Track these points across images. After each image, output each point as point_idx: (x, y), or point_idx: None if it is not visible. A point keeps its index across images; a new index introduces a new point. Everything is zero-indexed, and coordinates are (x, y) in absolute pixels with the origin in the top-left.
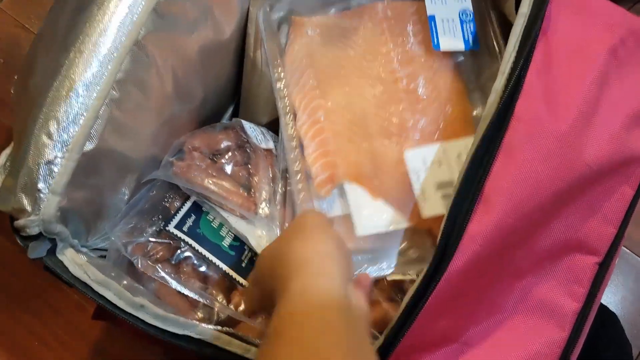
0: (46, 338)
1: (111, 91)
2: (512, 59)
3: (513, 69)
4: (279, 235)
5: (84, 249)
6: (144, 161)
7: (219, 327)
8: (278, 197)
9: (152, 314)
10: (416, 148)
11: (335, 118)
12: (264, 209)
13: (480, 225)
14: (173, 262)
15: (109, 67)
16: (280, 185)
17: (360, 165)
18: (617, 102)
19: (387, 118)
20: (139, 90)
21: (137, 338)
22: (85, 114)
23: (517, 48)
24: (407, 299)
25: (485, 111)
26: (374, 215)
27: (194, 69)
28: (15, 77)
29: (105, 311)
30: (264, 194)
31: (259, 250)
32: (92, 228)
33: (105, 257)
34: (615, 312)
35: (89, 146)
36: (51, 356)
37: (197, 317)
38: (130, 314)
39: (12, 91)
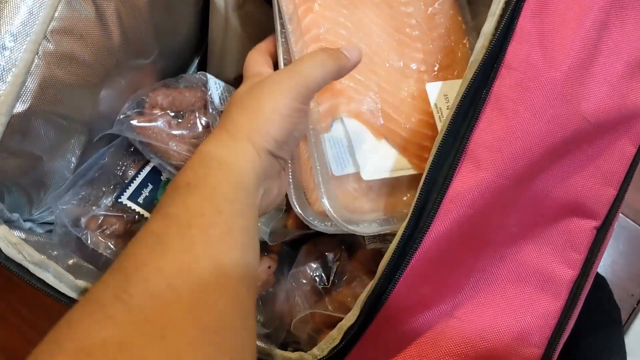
0: (4, 312)
1: (44, 42)
2: None
3: (504, 10)
4: None
5: (28, 224)
6: (90, 123)
7: None
8: None
9: None
10: (438, 82)
11: (337, 37)
12: None
13: (465, 184)
14: (128, 236)
15: (40, 14)
16: None
17: (363, 100)
18: (617, 48)
19: (396, 48)
20: (78, 41)
21: None
22: (14, 69)
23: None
24: (381, 267)
25: (472, 57)
26: (378, 158)
27: (145, 18)
28: None
29: None
30: None
31: None
32: (34, 200)
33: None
34: (604, 276)
35: (20, 107)
36: (12, 333)
37: None
38: (72, 299)
39: None
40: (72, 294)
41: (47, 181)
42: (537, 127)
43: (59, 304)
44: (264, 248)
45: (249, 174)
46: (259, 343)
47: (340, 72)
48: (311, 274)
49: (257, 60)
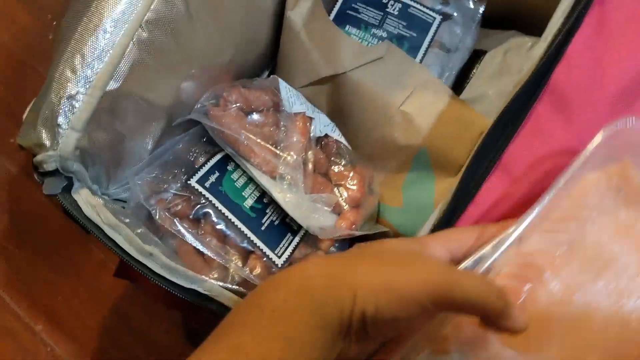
0: (67, 295)
1: (139, 31)
2: (558, 24)
3: (556, 36)
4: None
5: (105, 197)
6: (170, 110)
7: (228, 285)
8: (308, 164)
9: (160, 264)
10: None
11: None
12: (287, 174)
13: None
14: (192, 218)
15: (139, 4)
16: (310, 154)
17: None
18: None
19: None
20: (169, 35)
21: (157, 302)
22: (111, 51)
23: (566, 13)
24: None
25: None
26: None
27: (228, 26)
28: (54, 24)
29: (126, 269)
30: (289, 159)
31: (285, 208)
32: (112, 175)
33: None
34: None
35: (112, 85)
36: (69, 314)
37: (211, 276)
38: (138, 261)
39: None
40: (138, 256)
41: (125, 159)
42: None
43: (117, 291)
44: (313, 244)
45: None
46: None
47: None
48: None
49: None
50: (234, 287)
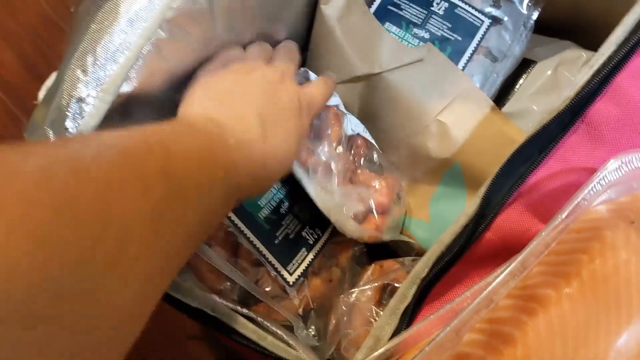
0: None
1: (158, 30)
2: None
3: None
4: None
5: None
6: None
7: (238, 307)
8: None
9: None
10: None
11: None
12: (319, 166)
13: None
14: None
15: (160, 3)
16: (340, 149)
17: None
18: None
19: None
20: (189, 33)
21: None
22: (126, 52)
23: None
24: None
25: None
26: None
27: (253, 18)
28: None
29: None
30: (322, 151)
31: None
32: None
33: None
34: None
35: (125, 88)
36: None
37: (221, 287)
38: None
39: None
40: None
41: None
42: None
43: None
44: (329, 259)
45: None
46: (303, 355)
47: None
48: (372, 294)
49: None
50: (244, 310)
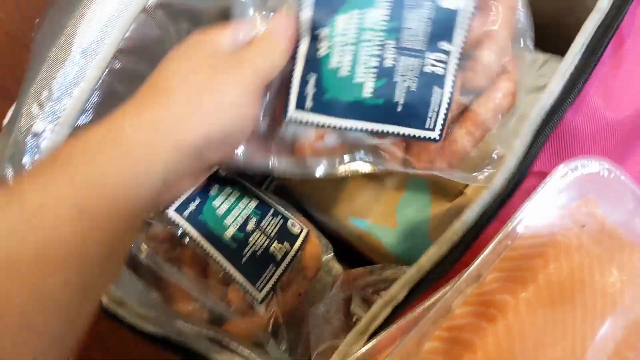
0: None
1: (112, 61)
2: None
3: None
4: None
5: None
6: None
7: (204, 331)
8: None
9: (132, 312)
10: None
11: None
12: None
13: None
14: (169, 247)
15: (111, 34)
16: None
17: None
18: None
19: None
20: (145, 61)
21: None
22: (80, 84)
23: (582, 51)
24: None
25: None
26: None
27: None
28: (37, 21)
29: None
30: None
31: None
32: None
33: None
34: None
35: (83, 120)
36: None
37: (190, 307)
38: (108, 310)
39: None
40: (110, 305)
41: None
42: None
43: None
44: (298, 272)
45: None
46: None
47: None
48: (341, 305)
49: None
50: (210, 333)
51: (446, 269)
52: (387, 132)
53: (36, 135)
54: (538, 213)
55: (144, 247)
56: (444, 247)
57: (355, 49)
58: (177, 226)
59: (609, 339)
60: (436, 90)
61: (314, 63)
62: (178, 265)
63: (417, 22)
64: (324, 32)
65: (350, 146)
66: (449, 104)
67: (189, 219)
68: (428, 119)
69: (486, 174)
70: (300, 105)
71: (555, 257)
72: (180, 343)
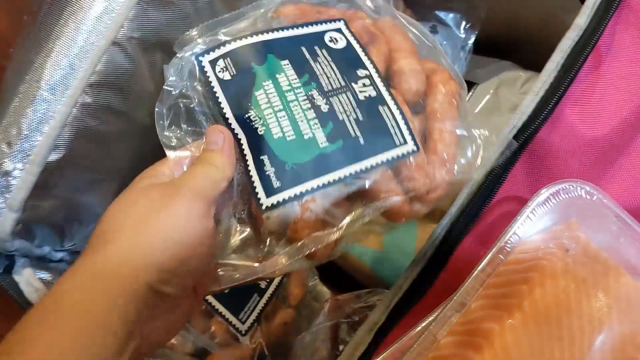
0: None
1: (82, 96)
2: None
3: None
4: None
5: (59, 254)
6: (124, 170)
7: None
8: None
9: None
10: None
11: None
12: None
13: None
14: None
15: (82, 67)
16: None
17: None
18: None
19: None
20: (117, 94)
21: None
22: (50, 121)
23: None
24: None
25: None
26: None
27: None
28: (11, 50)
29: None
30: None
31: None
32: (67, 233)
33: None
34: None
35: (53, 156)
36: None
37: (171, 341)
38: None
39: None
40: None
41: (80, 216)
42: None
43: None
44: (283, 300)
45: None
46: None
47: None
48: (329, 332)
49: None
50: None
51: (425, 287)
52: (367, 168)
53: (6, 174)
54: (521, 238)
55: None
56: (419, 265)
57: (288, 112)
58: None
59: None
60: (382, 108)
61: (258, 145)
62: None
63: (324, 67)
64: (251, 114)
65: (344, 204)
66: (402, 113)
67: None
68: (394, 136)
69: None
70: (268, 190)
71: (541, 282)
72: None
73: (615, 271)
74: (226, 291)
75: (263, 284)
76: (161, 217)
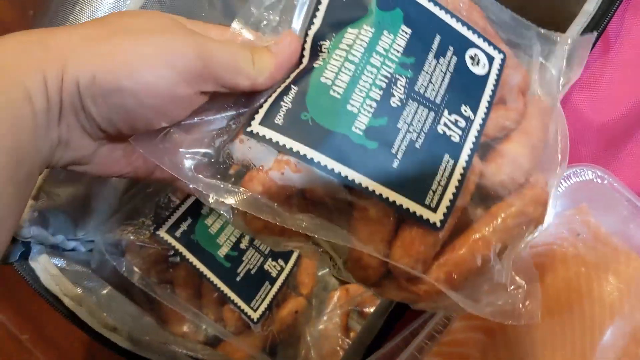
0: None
1: None
2: None
3: None
4: None
5: (72, 243)
6: None
7: (198, 356)
8: None
9: (125, 337)
10: None
11: None
12: None
13: None
14: (163, 268)
15: None
16: None
17: None
18: None
19: None
20: None
21: None
22: None
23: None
24: None
25: None
26: None
27: None
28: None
29: None
30: None
31: None
32: (80, 223)
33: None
34: None
35: None
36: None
37: (183, 330)
38: (101, 336)
39: None
40: (101, 330)
41: (93, 206)
42: None
43: None
44: (294, 289)
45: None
46: None
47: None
48: (339, 321)
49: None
50: (204, 357)
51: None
52: (370, 191)
53: None
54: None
55: (136, 270)
56: None
57: (357, 70)
58: (169, 247)
59: (610, 349)
60: (447, 159)
61: (300, 73)
62: (171, 286)
63: (438, 70)
64: (325, 43)
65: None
66: (461, 185)
67: (181, 239)
68: (430, 193)
69: (490, 309)
70: (267, 120)
71: (552, 267)
72: None
73: (626, 255)
74: (238, 279)
75: (274, 273)
76: (151, 40)
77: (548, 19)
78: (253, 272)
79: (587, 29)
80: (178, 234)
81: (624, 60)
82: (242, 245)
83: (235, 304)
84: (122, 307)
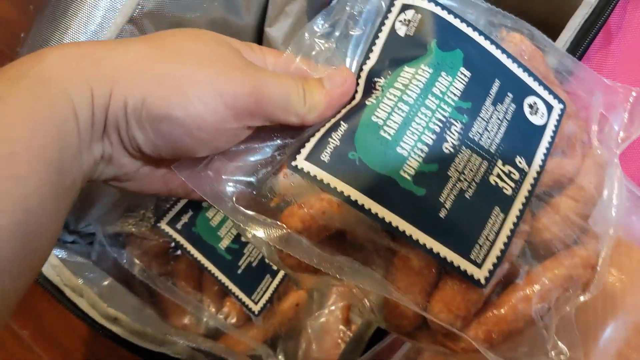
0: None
1: None
2: None
3: None
4: None
5: (72, 236)
6: None
7: (200, 347)
8: None
9: (126, 328)
10: None
11: None
12: None
13: None
14: (164, 260)
15: None
16: None
17: None
18: None
19: None
20: None
21: None
22: None
23: (566, 47)
24: None
25: None
26: None
27: None
28: (22, 35)
29: None
30: None
31: None
32: (81, 214)
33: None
34: None
35: None
36: (57, 319)
37: (184, 322)
38: (102, 326)
39: None
40: (102, 321)
41: (94, 197)
42: None
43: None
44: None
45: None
46: None
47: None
48: (340, 314)
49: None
50: (206, 349)
51: None
52: (413, 240)
53: None
54: None
55: (137, 262)
56: None
57: (411, 111)
58: (170, 239)
59: (612, 341)
60: (497, 212)
61: (352, 110)
62: (172, 279)
63: (494, 118)
64: (380, 81)
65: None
66: (509, 241)
67: (182, 231)
68: (476, 247)
69: None
70: (313, 156)
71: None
72: None
73: (628, 248)
74: (239, 272)
75: (275, 266)
76: (204, 71)
77: (550, 10)
78: (254, 264)
79: (588, 21)
80: (179, 226)
81: (625, 52)
82: (243, 238)
83: (237, 297)
84: (123, 298)
